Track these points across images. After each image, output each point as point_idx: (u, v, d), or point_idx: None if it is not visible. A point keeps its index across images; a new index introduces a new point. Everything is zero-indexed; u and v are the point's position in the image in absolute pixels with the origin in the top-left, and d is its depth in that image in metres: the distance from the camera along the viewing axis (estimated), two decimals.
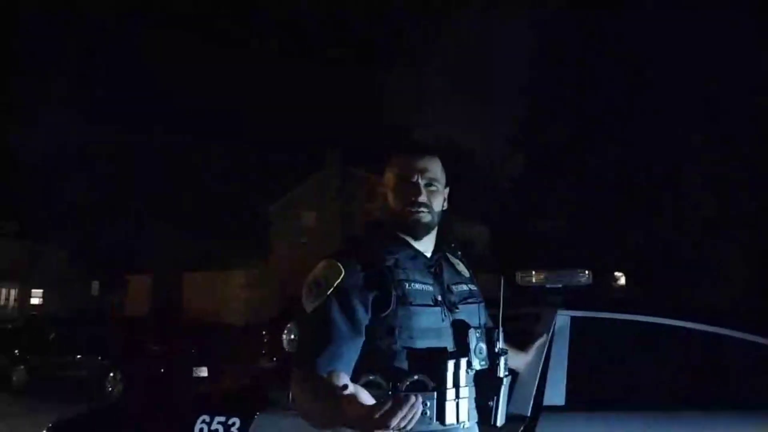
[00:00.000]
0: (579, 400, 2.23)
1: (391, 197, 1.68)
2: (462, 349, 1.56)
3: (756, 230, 20.67)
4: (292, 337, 2.76)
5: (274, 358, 8.56)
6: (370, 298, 1.54)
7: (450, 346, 1.56)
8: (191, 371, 9.88)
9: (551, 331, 2.30)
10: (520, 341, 2.14)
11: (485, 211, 28.24)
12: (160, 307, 21.30)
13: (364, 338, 1.53)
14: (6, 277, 33.35)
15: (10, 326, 16.87)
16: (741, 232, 21.41)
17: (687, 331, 2.32)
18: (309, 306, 1.57)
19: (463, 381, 1.52)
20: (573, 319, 2.37)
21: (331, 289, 1.54)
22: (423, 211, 1.64)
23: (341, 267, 1.56)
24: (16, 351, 11.44)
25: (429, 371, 1.49)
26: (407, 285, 1.57)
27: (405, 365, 1.51)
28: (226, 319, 24.03)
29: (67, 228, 31.84)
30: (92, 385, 9.79)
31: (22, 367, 10.98)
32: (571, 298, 2.46)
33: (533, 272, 2.57)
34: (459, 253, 1.81)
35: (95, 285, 24.94)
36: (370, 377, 1.49)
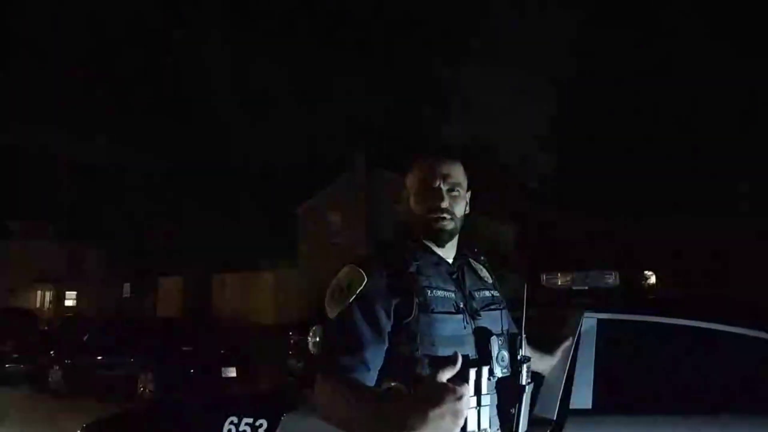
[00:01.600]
0: (606, 404, 2.20)
1: (413, 203, 1.68)
2: (484, 357, 1.55)
3: None
4: (317, 339, 2.78)
5: (298, 362, 8.60)
6: (393, 305, 1.54)
7: (472, 353, 1.55)
8: (220, 372, 10.00)
9: (577, 333, 2.27)
10: (545, 344, 2.12)
11: (513, 211, 28.00)
12: (190, 308, 21.63)
13: (387, 345, 1.53)
14: (44, 279, 34.22)
15: (46, 327, 17.34)
16: None
17: (716, 334, 2.28)
18: (332, 312, 1.58)
19: (484, 389, 1.50)
20: (600, 321, 2.34)
21: (354, 295, 1.54)
22: (446, 218, 1.64)
23: (364, 273, 1.56)
24: (52, 352, 11.71)
25: (450, 379, 1.49)
26: (429, 292, 1.56)
27: (426, 373, 1.50)
28: (255, 320, 24.30)
29: (103, 231, 32.55)
30: (125, 386, 9.98)
31: (57, 367, 11.22)
32: (598, 299, 2.43)
33: (558, 274, 2.55)
34: (482, 258, 1.80)
35: (127, 287, 25.41)
36: (392, 384, 1.50)
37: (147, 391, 9.83)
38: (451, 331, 1.55)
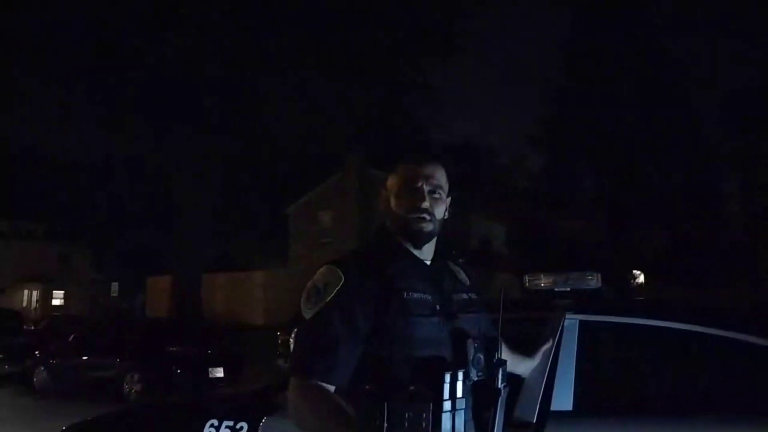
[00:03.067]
0: (587, 406, 2.20)
1: (394, 203, 1.67)
2: (459, 360, 1.54)
3: None
4: None
5: (286, 362, 8.60)
6: (370, 307, 1.53)
7: (448, 356, 1.55)
8: (207, 372, 9.96)
9: (558, 335, 2.26)
10: (526, 346, 2.11)
11: (504, 211, 28.08)
12: (179, 308, 21.51)
13: (363, 347, 1.52)
14: (32, 279, 33.97)
15: (33, 327, 17.21)
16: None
17: (696, 335, 2.28)
18: (308, 313, 1.56)
19: (460, 392, 1.49)
20: (581, 322, 2.33)
21: (331, 296, 1.53)
22: (425, 218, 1.63)
23: (341, 274, 1.56)
24: (38, 352, 11.62)
25: (426, 382, 1.47)
26: (406, 294, 1.56)
27: (402, 375, 1.49)
28: (245, 320, 24.21)
29: (91, 230, 32.34)
30: (111, 386, 9.92)
31: (43, 368, 11.13)
32: (581, 301, 2.42)
33: (542, 275, 2.54)
34: (460, 260, 1.79)
35: (115, 286, 25.29)
36: (366, 387, 1.48)
37: (134, 391, 9.78)
38: (428, 334, 1.54)
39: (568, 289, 2.45)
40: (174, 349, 10.32)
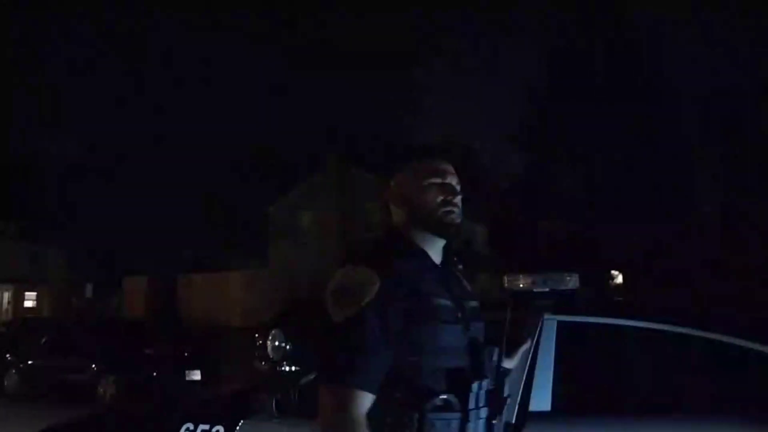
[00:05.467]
0: (565, 406, 2.20)
1: (421, 198, 1.62)
2: (479, 369, 1.53)
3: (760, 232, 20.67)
4: (277, 344, 2.72)
5: (263, 363, 8.52)
6: (402, 311, 1.47)
7: (468, 365, 1.52)
8: (184, 375, 9.84)
9: (536, 336, 2.27)
10: (505, 347, 2.11)
11: (486, 212, 28.20)
12: (155, 310, 21.26)
13: (393, 352, 1.46)
14: (3, 280, 33.25)
15: (4, 329, 16.83)
16: (745, 234, 21.46)
17: (675, 335, 2.30)
18: (339, 316, 1.48)
19: (482, 401, 1.50)
20: (560, 323, 2.34)
21: (367, 298, 1.46)
22: (456, 211, 1.63)
23: (377, 276, 1.49)
24: (9, 355, 11.38)
25: (454, 391, 1.46)
26: (431, 299, 1.52)
27: (430, 384, 1.46)
28: (223, 321, 23.99)
29: (64, 229, 31.74)
30: (85, 390, 9.74)
31: (14, 371, 10.91)
32: (559, 302, 2.43)
33: (521, 276, 2.55)
34: (460, 267, 1.77)
35: (89, 287, 24.86)
36: (396, 395, 1.44)
37: (108, 395, 9.61)
38: (452, 341, 1.51)
39: (547, 289, 2.47)
40: (150, 351, 10.18)
